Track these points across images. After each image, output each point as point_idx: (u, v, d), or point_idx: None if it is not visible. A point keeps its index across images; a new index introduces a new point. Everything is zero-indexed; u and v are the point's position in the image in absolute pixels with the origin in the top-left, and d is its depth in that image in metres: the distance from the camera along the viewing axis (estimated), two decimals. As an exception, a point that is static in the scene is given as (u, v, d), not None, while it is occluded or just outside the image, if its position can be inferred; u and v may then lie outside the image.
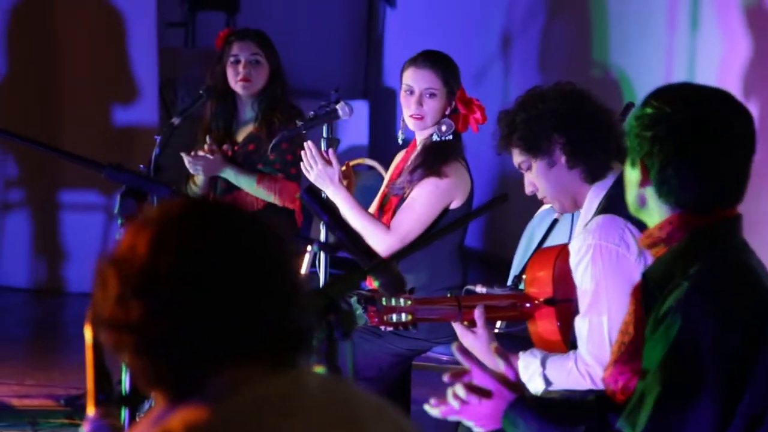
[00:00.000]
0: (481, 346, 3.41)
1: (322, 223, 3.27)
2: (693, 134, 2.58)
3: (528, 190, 3.51)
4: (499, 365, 2.77)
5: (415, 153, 4.52)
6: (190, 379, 1.77)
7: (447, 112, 4.45)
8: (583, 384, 3.33)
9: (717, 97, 2.64)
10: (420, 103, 4.41)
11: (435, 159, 4.41)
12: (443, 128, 4.43)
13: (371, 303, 3.40)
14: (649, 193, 2.63)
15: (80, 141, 6.91)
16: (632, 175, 2.65)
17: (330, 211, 2.72)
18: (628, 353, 2.64)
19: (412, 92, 4.44)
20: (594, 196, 3.46)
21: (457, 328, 3.50)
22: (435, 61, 4.47)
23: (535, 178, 3.48)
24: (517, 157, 3.49)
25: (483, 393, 2.73)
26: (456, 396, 2.75)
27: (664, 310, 2.50)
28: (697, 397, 2.46)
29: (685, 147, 2.58)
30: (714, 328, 2.46)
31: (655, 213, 2.63)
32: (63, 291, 7.17)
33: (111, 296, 1.76)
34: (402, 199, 4.47)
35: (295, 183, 5.18)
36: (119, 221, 2.85)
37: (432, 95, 4.42)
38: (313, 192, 2.72)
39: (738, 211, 2.63)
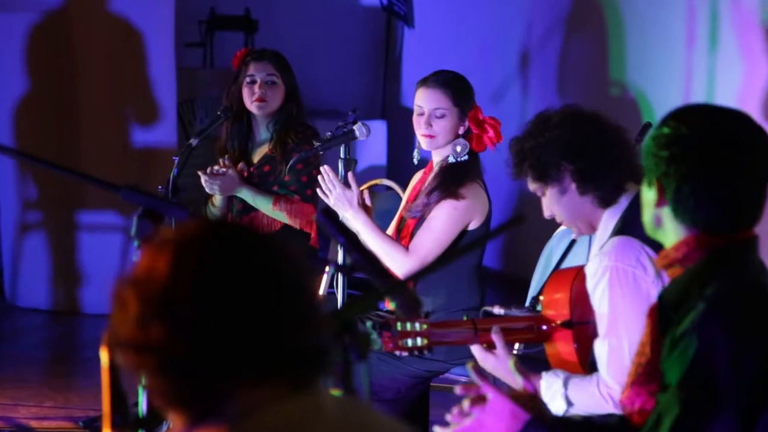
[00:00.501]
0: (503, 367, 3.40)
1: (338, 244, 3.26)
2: (709, 154, 2.57)
3: (546, 214, 3.51)
4: (518, 381, 2.77)
5: (432, 174, 4.52)
6: (209, 399, 1.77)
7: (460, 132, 4.45)
8: (605, 407, 3.31)
9: (734, 117, 2.63)
10: (429, 123, 4.42)
11: (452, 181, 4.41)
12: (458, 149, 4.43)
13: (386, 328, 3.39)
14: (665, 213, 2.62)
15: (99, 162, 6.93)
16: (649, 195, 2.64)
17: (346, 232, 2.71)
18: (645, 374, 2.63)
19: (422, 113, 4.45)
20: (609, 218, 3.44)
21: (476, 350, 3.49)
22: (444, 81, 4.47)
23: (549, 204, 3.47)
24: (531, 185, 3.50)
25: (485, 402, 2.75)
26: (461, 411, 2.77)
27: (680, 331, 2.50)
28: (715, 418, 2.45)
29: (701, 167, 2.57)
30: (731, 348, 2.46)
31: (671, 233, 2.62)
32: (81, 312, 7.17)
33: (131, 317, 1.77)
34: (419, 222, 4.47)
35: (311, 205, 5.17)
36: (136, 243, 2.83)
37: (442, 116, 4.42)
38: (329, 213, 2.71)
39: (755, 232, 2.62)
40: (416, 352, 3.45)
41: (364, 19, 9.11)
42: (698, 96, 6.30)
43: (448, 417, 2.95)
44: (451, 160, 4.45)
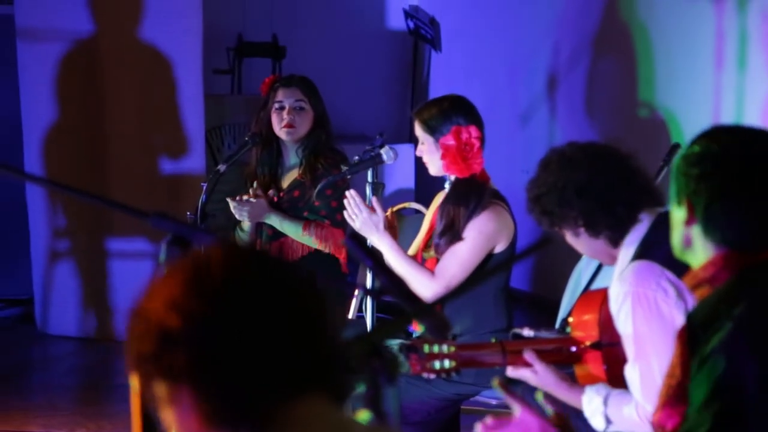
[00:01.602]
0: (551, 380, 3.46)
1: (366, 268, 3.27)
2: (740, 171, 2.57)
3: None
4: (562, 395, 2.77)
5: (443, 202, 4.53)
6: (249, 418, 1.78)
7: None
8: (642, 429, 3.33)
9: (764, 136, 2.64)
10: (421, 155, 4.52)
11: (463, 213, 4.41)
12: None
13: (413, 351, 3.40)
14: (695, 232, 2.61)
15: (128, 189, 6.96)
16: (678, 214, 2.64)
17: (374, 256, 2.71)
18: (676, 396, 2.62)
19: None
20: (629, 242, 3.45)
21: (515, 372, 3.51)
22: (419, 112, 4.51)
23: (572, 244, 3.51)
24: (548, 228, 3.53)
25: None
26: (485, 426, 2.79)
27: (708, 351, 2.49)
28: None
29: (731, 183, 2.57)
30: (759, 369, 2.45)
31: (701, 253, 2.61)
32: (113, 339, 7.19)
33: (151, 344, 1.78)
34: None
35: (341, 230, 5.17)
36: (165, 270, 2.84)
37: (421, 146, 4.48)
38: (356, 237, 2.71)
39: None
40: (444, 375, 3.46)
41: (391, 43, 9.13)
42: (727, 116, 6.28)
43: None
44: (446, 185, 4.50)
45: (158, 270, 6.27)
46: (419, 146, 4.53)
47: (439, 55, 8.73)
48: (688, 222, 2.61)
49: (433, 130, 4.45)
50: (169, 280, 1.81)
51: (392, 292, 2.73)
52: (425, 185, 8.42)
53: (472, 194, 4.43)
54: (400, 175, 8.05)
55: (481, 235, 4.38)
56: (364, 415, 2.30)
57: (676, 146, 4.83)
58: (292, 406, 1.80)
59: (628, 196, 3.42)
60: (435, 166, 4.50)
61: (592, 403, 3.42)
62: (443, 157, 4.42)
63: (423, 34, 8.53)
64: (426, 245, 4.57)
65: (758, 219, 2.58)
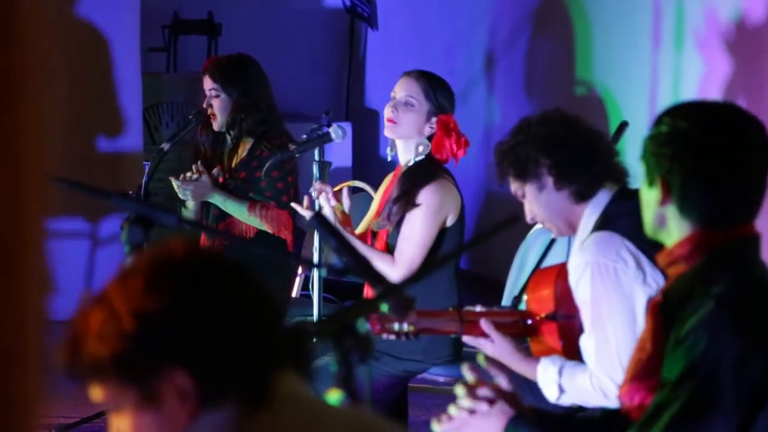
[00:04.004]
0: (507, 350, 3.48)
1: (331, 247, 3.27)
2: (712, 148, 2.59)
3: (528, 218, 3.57)
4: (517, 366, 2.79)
5: (397, 180, 4.53)
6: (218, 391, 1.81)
7: (426, 133, 4.45)
8: (594, 398, 3.37)
9: (729, 109, 2.67)
10: (396, 109, 4.44)
11: (413, 186, 4.41)
12: (420, 149, 4.44)
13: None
14: (670, 211, 2.63)
15: (64, 167, 6.88)
16: (650, 195, 2.66)
17: (338, 235, 2.72)
18: (645, 370, 2.64)
19: (393, 99, 4.47)
20: (590, 214, 3.50)
21: (470, 340, 3.55)
22: (424, 76, 4.49)
23: (529, 204, 3.54)
24: (513, 185, 3.57)
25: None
26: (461, 408, 2.79)
27: (687, 329, 2.51)
28: (715, 416, 2.47)
29: (705, 161, 2.59)
30: (738, 350, 2.48)
31: (675, 232, 2.64)
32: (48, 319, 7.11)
33: (121, 342, 1.79)
34: (396, 228, 4.47)
35: (286, 211, 5.15)
36: (126, 249, 2.85)
37: (408, 104, 4.43)
38: (320, 216, 2.72)
39: (757, 230, 2.64)
40: (402, 337, 3.47)
41: (327, 21, 9.12)
42: (664, 95, 6.35)
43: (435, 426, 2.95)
44: (411, 162, 4.46)
45: (96, 249, 6.17)
46: (407, 96, 4.48)
47: (376, 34, 8.73)
48: (663, 201, 2.63)
49: (435, 101, 4.45)
50: (132, 275, 1.83)
51: (357, 271, 2.74)
52: (362, 163, 8.44)
53: (430, 168, 4.44)
54: (337, 154, 8.05)
55: (429, 210, 4.39)
56: (335, 394, 2.31)
57: (624, 124, 4.88)
58: (276, 384, 1.83)
59: (602, 162, 3.48)
60: (414, 124, 4.47)
61: (546, 372, 3.46)
62: (441, 134, 4.42)
63: (359, 12, 8.52)
64: (379, 215, 4.57)
65: (733, 194, 2.60)
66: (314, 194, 4.51)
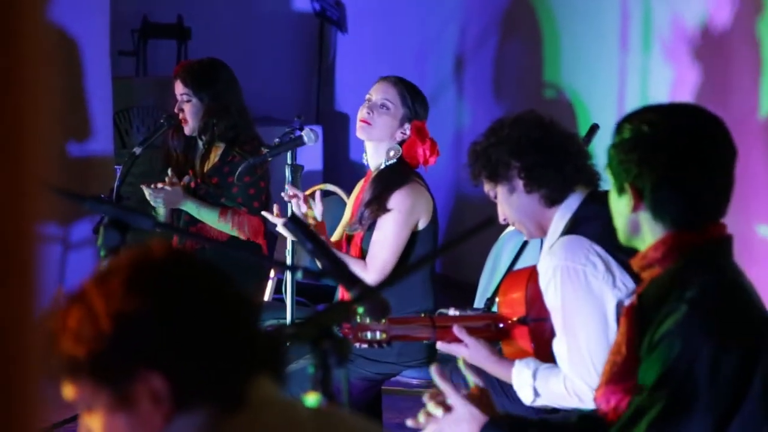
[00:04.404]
0: (482, 354, 3.50)
1: (306, 250, 3.26)
2: (679, 149, 2.61)
3: (501, 218, 3.59)
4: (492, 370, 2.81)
5: (369, 184, 4.55)
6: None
7: (398, 138, 4.47)
8: (569, 401, 3.40)
9: (688, 109, 2.69)
10: (371, 111, 4.45)
11: (384, 190, 4.43)
12: (391, 153, 4.46)
13: (346, 320, 3.43)
14: (643, 217, 2.64)
15: (14, 171, 6.84)
16: (621, 203, 2.67)
17: (314, 238, 2.72)
18: (620, 373, 2.65)
19: (368, 101, 4.48)
20: (560, 218, 3.52)
21: (443, 346, 3.56)
22: (401, 81, 4.52)
23: (500, 205, 3.55)
24: (486, 186, 3.58)
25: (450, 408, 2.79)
26: (428, 414, 2.80)
27: (661, 332, 2.53)
28: (689, 420, 2.49)
29: (674, 163, 2.60)
30: (712, 352, 2.49)
31: (649, 236, 2.65)
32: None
33: (97, 343, 1.79)
34: (367, 232, 4.49)
35: (258, 217, 5.15)
36: (102, 253, 2.84)
37: (383, 107, 4.44)
38: (296, 219, 2.73)
39: (728, 232, 2.67)
40: (375, 346, 3.50)
41: (296, 25, 9.13)
42: (632, 97, 6.40)
43: (410, 422, 2.97)
44: (382, 166, 4.48)
45: (67, 253, 6.14)
46: (383, 99, 4.48)
47: (346, 37, 8.75)
48: (635, 208, 2.63)
49: (410, 107, 4.47)
50: (111, 276, 1.82)
51: (333, 274, 2.75)
52: (333, 167, 8.45)
53: (402, 172, 4.46)
54: (307, 157, 8.05)
55: (401, 214, 4.41)
56: (313, 397, 2.32)
57: (595, 127, 4.90)
58: (253, 386, 1.83)
59: (573, 165, 3.49)
60: (387, 127, 4.49)
61: (521, 375, 3.48)
62: (414, 138, 4.44)
63: (329, 15, 8.54)
64: (351, 223, 4.59)
65: (703, 194, 2.61)
66: (285, 199, 4.52)
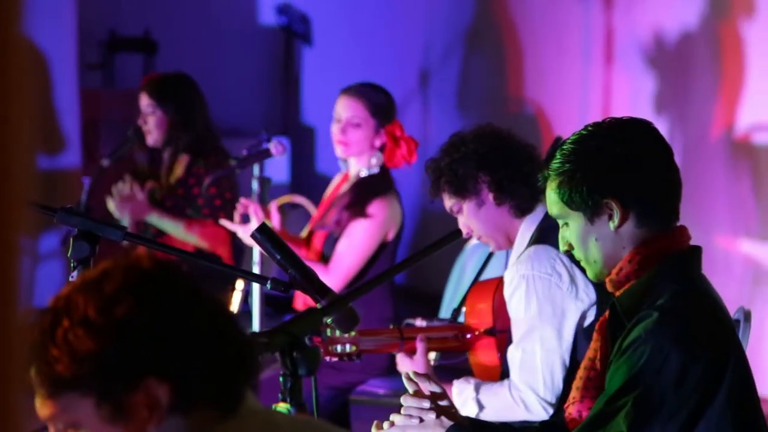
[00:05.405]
0: (421, 368, 3.49)
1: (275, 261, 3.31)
2: (643, 156, 2.65)
3: (464, 232, 3.60)
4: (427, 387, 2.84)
5: (345, 187, 4.59)
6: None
7: (377, 145, 4.53)
8: (516, 411, 3.40)
9: (631, 121, 2.71)
10: (344, 131, 4.50)
11: (365, 196, 4.48)
12: (373, 161, 4.51)
13: (316, 334, 3.46)
14: (625, 231, 2.66)
15: (2, 184, 6.87)
16: (597, 231, 2.67)
17: (282, 248, 2.75)
18: (595, 388, 2.69)
19: (339, 121, 4.53)
20: (526, 228, 3.55)
21: (399, 357, 3.60)
22: (365, 91, 4.56)
23: (467, 220, 3.56)
24: (448, 202, 3.59)
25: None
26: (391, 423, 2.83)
27: (631, 339, 2.56)
28: (653, 426, 2.53)
29: (647, 169, 2.64)
30: (680, 360, 2.53)
31: (625, 252, 2.67)
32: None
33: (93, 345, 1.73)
34: (330, 235, 4.53)
35: (221, 227, 5.18)
36: (72, 264, 2.85)
37: (357, 125, 4.50)
38: (264, 230, 2.75)
39: (697, 244, 2.72)
40: (345, 359, 3.53)
41: (263, 39, 9.16)
42: (595, 109, 6.46)
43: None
44: (363, 173, 4.54)
45: (36, 265, 6.12)
46: (352, 116, 4.52)
47: (312, 51, 8.79)
48: (622, 221, 2.64)
49: (380, 114, 4.52)
50: (101, 283, 1.76)
51: (301, 285, 2.78)
52: (299, 179, 8.48)
53: (383, 181, 4.52)
54: (273, 169, 8.09)
55: (375, 223, 4.45)
56: (283, 406, 2.36)
57: (558, 139, 4.97)
58: (245, 395, 1.83)
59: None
60: (364, 141, 4.52)
61: (462, 393, 3.48)
62: (391, 144, 4.49)
63: (294, 29, 8.59)
64: (320, 219, 4.63)
65: (675, 194, 2.68)
66: (240, 210, 4.55)
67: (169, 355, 1.74)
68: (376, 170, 4.52)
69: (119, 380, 1.72)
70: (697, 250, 2.70)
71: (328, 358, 3.52)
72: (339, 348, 3.51)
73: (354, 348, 3.53)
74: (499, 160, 3.52)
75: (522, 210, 3.54)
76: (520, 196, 3.53)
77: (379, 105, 4.53)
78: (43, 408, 1.76)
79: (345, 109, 4.53)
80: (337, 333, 3.51)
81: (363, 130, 4.50)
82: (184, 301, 1.78)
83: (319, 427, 1.97)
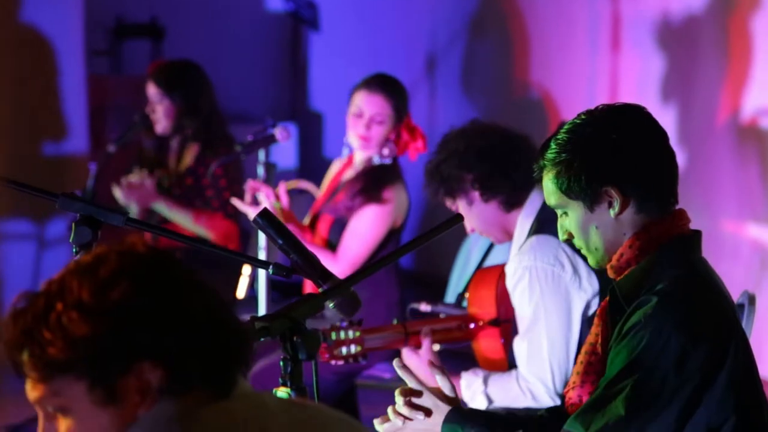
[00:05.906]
0: (425, 368, 3.47)
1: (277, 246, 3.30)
2: (641, 142, 2.64)
3: (468, 229, 3.64)
4: (438, 380, 2.84)
5: (353, 173, 4.59)
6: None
7: (393, 137, 4.55)
8: (524, 401, 3.42)
9: (626, 107, 2.69)
10: (368, 127, 4.51)
11: (376, 184, 4.50)
12: (386, 152, 4.52)
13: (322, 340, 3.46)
14: (626, 217, 2.65)
15: (10, 170, 6.88)
16: (597, 218, 2.65)
17: (285, 234, 2.75)
18: (595, 372, 2.68)
19: (360, 114, 4.52)
20: (524, 219, 3.56)
21: (404, 351, 3.59)
22: (388, 86, 4.56)
23: (465, 217, 3.58)
24: (447, 202, 3.64)
25: (426, 410, 2.80)
26: (398, 413, 2.82)
27: (631, 323, 2.55)
28: (653, 409, 2.52)
29: (645, 155, 2.62)
30: (680, 344, 2.52)
31: (626, 238, 2.66)
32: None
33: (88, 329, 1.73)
34: (336, 220, 4.54)
35: (230, 221, 5.17)
36: (74, 249, 2.85)
37: (381, 122, 4.51)
38: (267, 215, 2.75)
39: (697, 228, 2.71)
40: (351, 360, 3.53)
41: (270, 24, 9.15)
42: (602, 94, 6.45)
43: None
44: (376, 161, 4.55)
45: (42, 250, 6.12)
46: (377, 113, 4.51)
47: (319, 37, 8.78)
48: (623, 208, 2.63)
49: (400, 110, 4.53)
50: (97, 268, 1.76)
51: (304, 270, 2.77)
52: (307, 164, 8.48)
53: (395, 170, 4.53)
54: (281, 155, 8.10)
55: (383, 214, 4.47)
56: (284, 390, 2.37)
57: (563, 125, 4.95)
58: (239, 381, 1.83)
59: (525, 166, 3.49)
60: (384, 136, 4.53)
61: (471, 386, 3.50)
62: (407, 137, 4.50)
63: (302, 15, 8.58)
64: (324, 203, 4.64)
65: (671, 176, 2.66)
66: (248, 192, 4.55)
67: (164, 340, 1.74)
68: (388, 161, 4.54)
69: (113, 364, 1.72)
70: (697, 233, 2.69)
71: (334, 362, 3.51)
72: (344, 350, 3.52)
73: (359, 348, 3.53)
74: (477, 158, 3.54)
75: (510, 204, 3.55)
76: (505, 191, 3.53)
77: (402, 102, 4.56)
78: (33, 391, 1.76)
79: (369, 105, 4.53)
80: (342, 335, 3.51)
81: (386, 126, 4.53)
82: (179, 286, 1.78)
83: (313, 409, 1.97)
